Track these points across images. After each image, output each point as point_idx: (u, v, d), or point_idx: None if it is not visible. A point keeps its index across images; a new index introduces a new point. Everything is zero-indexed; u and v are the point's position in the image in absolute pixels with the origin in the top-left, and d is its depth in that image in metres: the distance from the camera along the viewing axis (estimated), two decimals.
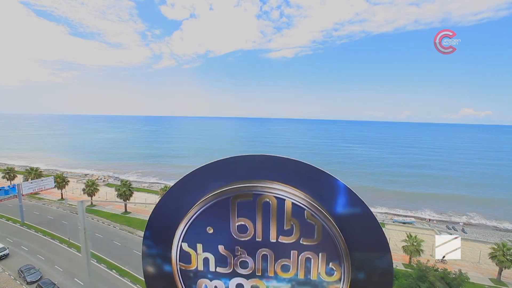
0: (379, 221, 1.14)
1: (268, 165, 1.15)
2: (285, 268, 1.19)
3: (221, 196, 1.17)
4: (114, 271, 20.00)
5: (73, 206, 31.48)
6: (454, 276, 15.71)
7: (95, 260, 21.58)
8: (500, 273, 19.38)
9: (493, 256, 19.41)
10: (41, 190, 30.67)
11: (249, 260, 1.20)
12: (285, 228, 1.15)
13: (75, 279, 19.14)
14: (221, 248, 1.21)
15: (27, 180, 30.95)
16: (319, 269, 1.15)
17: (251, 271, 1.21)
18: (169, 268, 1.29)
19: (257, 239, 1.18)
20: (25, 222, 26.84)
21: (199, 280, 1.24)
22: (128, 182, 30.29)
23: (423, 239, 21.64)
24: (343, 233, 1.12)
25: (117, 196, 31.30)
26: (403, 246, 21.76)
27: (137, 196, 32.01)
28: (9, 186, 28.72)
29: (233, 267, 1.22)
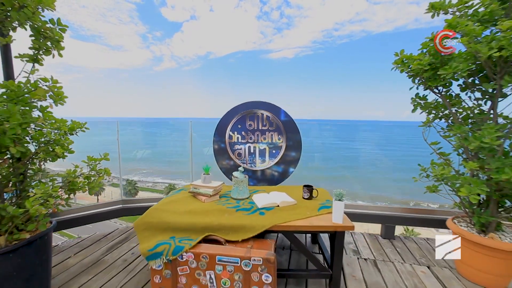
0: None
1: (258, 104, 3.68)
2: (264, 138, 3.72)
3: (243, 114, 3.73)
4: None
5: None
6: None
7: None
8: None
9: None
10: None
11: (253, 136, 3.73)
12: (264, 123, 3.71)
13: None
14: (243, 132, 3.74)
15: None
16: (276, 138, 3.67)
17: (253, 141, 3.76)
18: (223, 145, 3.79)
19: (254, 128, 3.72)
20: None
21: (235, 145, 3.77)
22: (133, 181, 32.72)
23: (420, 232, 23.64)
24: (283, 126, 3.64)
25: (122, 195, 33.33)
26: None
27: (141, 195, 34.33)
28: None
29: (247, 140, 3.75)
